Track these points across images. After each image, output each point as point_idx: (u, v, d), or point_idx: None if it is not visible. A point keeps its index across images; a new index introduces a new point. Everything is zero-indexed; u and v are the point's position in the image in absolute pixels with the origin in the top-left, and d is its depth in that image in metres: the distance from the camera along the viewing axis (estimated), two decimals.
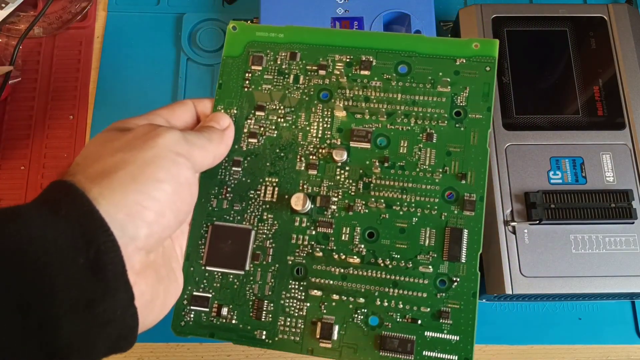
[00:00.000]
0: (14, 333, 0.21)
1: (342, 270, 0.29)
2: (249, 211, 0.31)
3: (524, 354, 0.41)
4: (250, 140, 0.31)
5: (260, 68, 0.33)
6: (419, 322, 0.28)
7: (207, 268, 0.30)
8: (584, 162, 0.39)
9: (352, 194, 0.30)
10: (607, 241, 0.38)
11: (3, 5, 0.48)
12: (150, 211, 0.24)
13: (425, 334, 0.28)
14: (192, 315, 0.30)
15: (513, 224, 0.38)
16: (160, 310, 0.27)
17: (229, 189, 0.31)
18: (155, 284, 0.26)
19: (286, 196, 0.30)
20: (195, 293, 0.30)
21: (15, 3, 0.48)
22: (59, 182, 0.24)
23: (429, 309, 0.28)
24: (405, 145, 0.31)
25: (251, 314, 0.29)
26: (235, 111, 0.32)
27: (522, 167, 0.39)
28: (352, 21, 0.45)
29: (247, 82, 0.32)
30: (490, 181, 0.39)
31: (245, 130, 0.32)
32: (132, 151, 0.25)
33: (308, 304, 0.29)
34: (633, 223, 0.38)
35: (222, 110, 0.32)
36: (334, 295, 0.29)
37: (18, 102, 0.47)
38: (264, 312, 0.29)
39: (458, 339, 0.28)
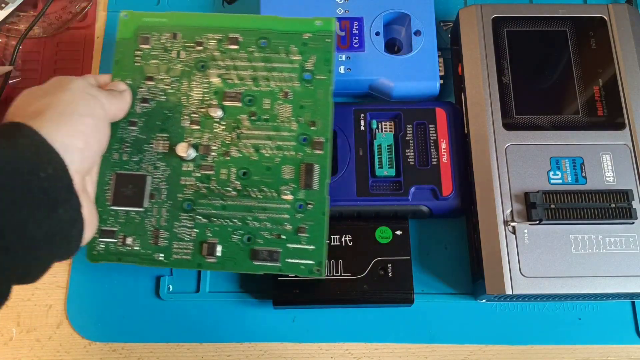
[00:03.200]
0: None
1: (222, 202, 0.37)
2: (145, 161, 0.38)
3: (524, 354, 0.41)
4: (143, 104, 0.39)
5: (148, 47, 0.40)
6: (283, 237, 0.36)
7: (113, 208, 0.37)
8: (584, 162, 0.39)
9: (228, 142, 0.38)
10: (607, 241, 0.38)
11: (3, 5, 0.48)
12: (78, 140, 0.31)
13: (288, 245, 0.36)
14: (102, 246, 0.37)
15: (513, 224, 0.38)
16: (92, 231, 0.34)
17: (127, 145, 0.38)
18: (90, 207, 0.33)
19: (175, 147, 0.37)
20: (103, 228, 0.37)
21: (15, 3, 0.48)
22: (5, 124, 0.30)
23: (290, 227, 0.36)
24: (268, 102, 0.38)
25: (150, 241, 0.37)
26: (129, 82, 0.39)
27: (522, 167, 0.39)
28: (352, 21, 0.45)
29: (138, 58, 0.40)
30: (491, 181, 0.39)
31: (139, 97, 0.39)
32: (53, 95, 0.32)
33: (196, 230, 0.37)
34: (633, 223, 0.38)
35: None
36: (217, 221, 0.37)
37: None
38: (160, 239, 0.37)
39: (314, 247, 0.36)
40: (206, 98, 0.39)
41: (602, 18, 0.43)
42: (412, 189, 0.40)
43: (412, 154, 0.42)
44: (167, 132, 0.38)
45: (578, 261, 0.37)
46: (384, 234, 0.40)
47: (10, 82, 0.46)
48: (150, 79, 0.39)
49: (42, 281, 0.42)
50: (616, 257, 0.37)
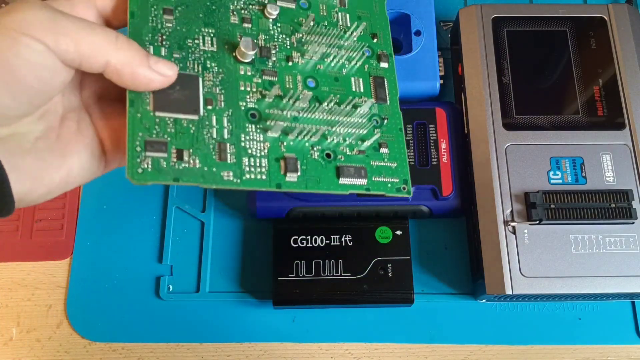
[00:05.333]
0: None
1: (292, 113, 0.31)
2: (190, 59, 0.30)
3: (524, 354, 0.41)
4: None
5: None
6: (365, 153, 0.32)
7: (157, 114, 0.28)
8: (584, 162, 0.39)
9: (288, 47, 0.33)
10: (607, 241, 0.38)
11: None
12: None
13: (371, 163, 0.32)
14: (149, 162, 0.28)
15: (513, 224, 0.38)
16: (32, 182, 0.26)
17: (164, 37, 0.30)
18: (18, 155, 0.25)
19: (226, 46, 0.31)
20: (149, 139, 0.28)
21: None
22: None
23: (371, 142, 0.32)
24: (324, 8, 0.35)
25: (214, 157, 0.29)
26: None
27: (522, 167, 0.39)
28: None
29: None
30: (491, 181, 0.39)
31: None
32: None
33: (268, 144, 0.30)
34: (633, 223, 0.38)
35: None
36: (290, 135, 0.31)
37: None
38: (228, 154, 0.29)
39: (396, 164, 0.33)
40: None
41: (602, 18, 0.43)
42: (412, 189, 0.40)
43: (412, 154, 0.42)
44: (214, 28, 0.31)
45: (578, 261, 0.37)
46: (384, 234, 0.40)
47: None
48: None
49: (42, 281, 0.42)
50: (616, 257, 0.37)
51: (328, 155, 0.32)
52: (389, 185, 0.32)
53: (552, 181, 0.39)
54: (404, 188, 0.32)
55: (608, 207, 0.38)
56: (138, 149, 0.28)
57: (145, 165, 0.28)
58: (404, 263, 0.40)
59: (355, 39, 0.34)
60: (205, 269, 0.42)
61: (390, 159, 0.33)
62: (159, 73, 0.27)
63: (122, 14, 0.29)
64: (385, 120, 0.33)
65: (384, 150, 0.33)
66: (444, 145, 0.42)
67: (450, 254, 0.43)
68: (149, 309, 0.41)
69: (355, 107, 0.32)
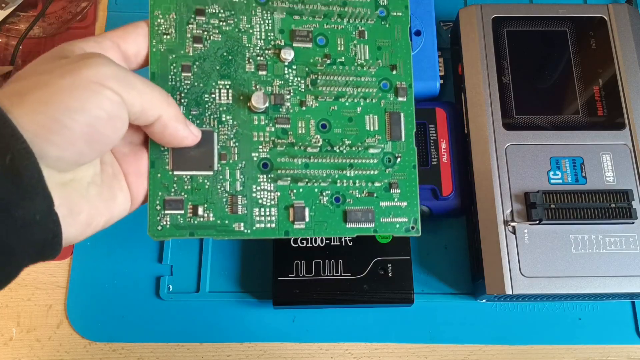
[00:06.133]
0: None
1: (303, 160, 0.32)
2: (207, 114, 0.32)
3: (524, 354, 0.41)
4: (195, 45, 0.32)
5: None
6: (375, 195, 0.32)
7: (175, 173, 0.31)
8: (584, 162, 0.39)
9: (302, 90, 0.33)
10: (607, 241, 0.38)
11: (3, 5, 0.48)
12: (58, 136, 0.24)
13: (381, 204, 0.32)
14: (168, 219, 0.31)
15: (513, 224, 0.38)
16: (83, 228, 0.27)
17: (182, 95, 0.32)
18: (76, 201, 0.26)
19: (241, 97, 0.32)
20: (167, 197, 0.31)
21: (15, 3, 0.48)
22: None
23: (381, 184, 0.33)
24: (342, 42, 0.34)
25: (227, 210, 0.31)
26: (174, 16, 0.32)
27: (522, 167, 0.39)
28: None
29: None
30: (491, 181, 0.39)
31: (189, 35, 0.32)
32: (53, 76, 0.25)
33: (278, 193, 0.32)
34: (633, 223, 0.38)
35: (160, 15, 0.32)
36: (300, 182, 0.32)
37: None
38: (239, 206, 0.31)
39: (406, 204, 0.33)
40: (271, 37, 0.33)
41: (602, 18, 0.43)
42: None
43: None
44: (229, 79, 0.32)
45: (578, 261, 0.37)
46: (384, 234, 0.40)
47: None
48: (201, 12, 0.32)
49: (42, 281, 0.42)
50: (616, 257, 0.37)
51: (337, 199, 0.32)
52: (397, 226, 0.32)
53: (552, 181, 0.39)
54: (413, 227, 0.32)
55: (608, 207, 0.38)
56: (158, 207, 0.30)
57: (164, 223, 0.31)
58: (404, 263, 0.40)
59: (372, 73, 0.34)
60: (205, 269, 0.42)
61: (400, 198, 0.33)
62: (192, 132, 0.30)
63: (142, 57, 0.31)
64: (398, 159, 0.33)
65: (394, 190, 0.33)
66: (444, 145, 0.42)
67: (450, 254, 0.43)
68: (149, 309, 0.41)
69: (367, 148, 0.33)
